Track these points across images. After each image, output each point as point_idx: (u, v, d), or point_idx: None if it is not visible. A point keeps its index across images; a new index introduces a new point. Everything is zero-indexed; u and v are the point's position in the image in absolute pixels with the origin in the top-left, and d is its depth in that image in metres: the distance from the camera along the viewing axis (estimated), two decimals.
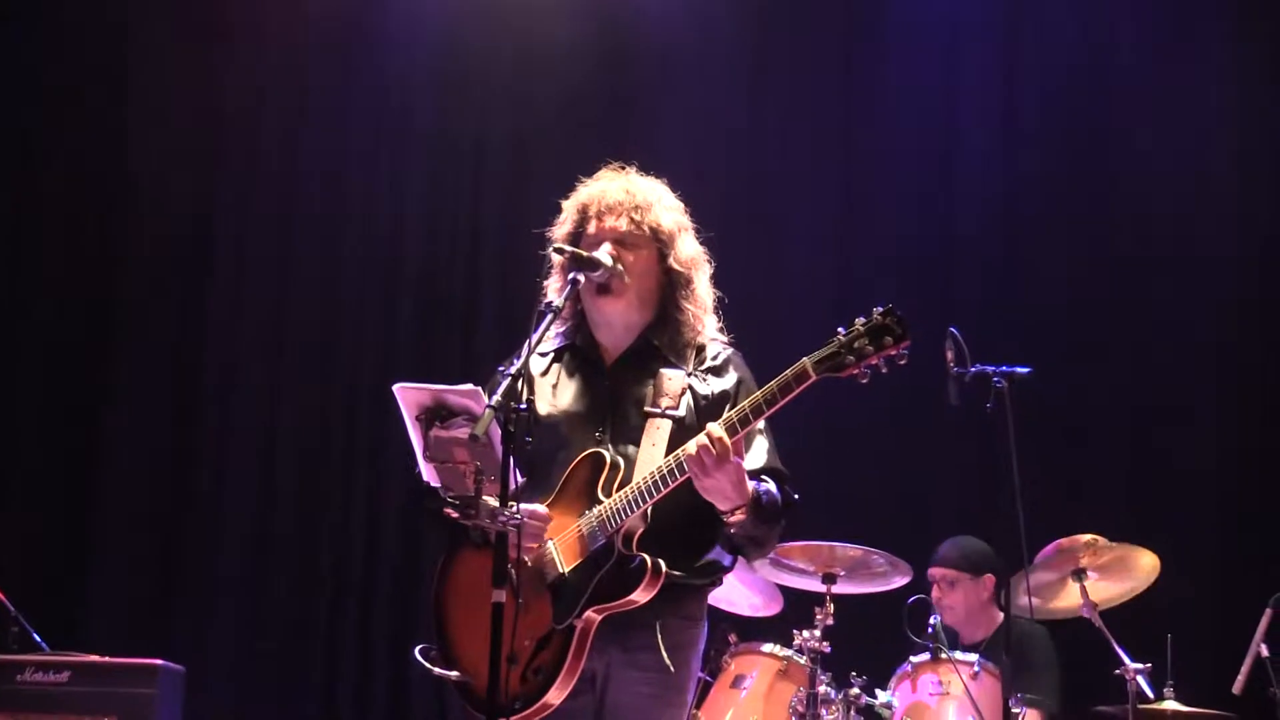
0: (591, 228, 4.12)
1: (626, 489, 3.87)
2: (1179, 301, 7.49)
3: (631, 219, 4.09)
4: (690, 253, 4.17)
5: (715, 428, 3.79)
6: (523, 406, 3.65)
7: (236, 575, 7.58)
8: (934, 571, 6.43)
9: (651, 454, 3.93)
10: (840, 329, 3.76)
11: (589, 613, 3.86)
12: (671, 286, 4.14)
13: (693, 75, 7.92)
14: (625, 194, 4.12)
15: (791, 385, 3.75)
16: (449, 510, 3.68)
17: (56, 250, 7.80)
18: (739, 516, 3.87)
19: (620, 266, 4.04)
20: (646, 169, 4.28)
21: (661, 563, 3.84)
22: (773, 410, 3.79)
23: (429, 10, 7.98)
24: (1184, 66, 7.68)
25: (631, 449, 3.99)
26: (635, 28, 7.93)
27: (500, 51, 7.94)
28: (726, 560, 4.10)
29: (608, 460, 3.95)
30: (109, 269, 7.83)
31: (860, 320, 3.75)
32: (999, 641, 5.84)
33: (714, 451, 3.76)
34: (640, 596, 3.84)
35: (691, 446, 3.78)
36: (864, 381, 3.76)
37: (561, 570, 3.91)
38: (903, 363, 3.75)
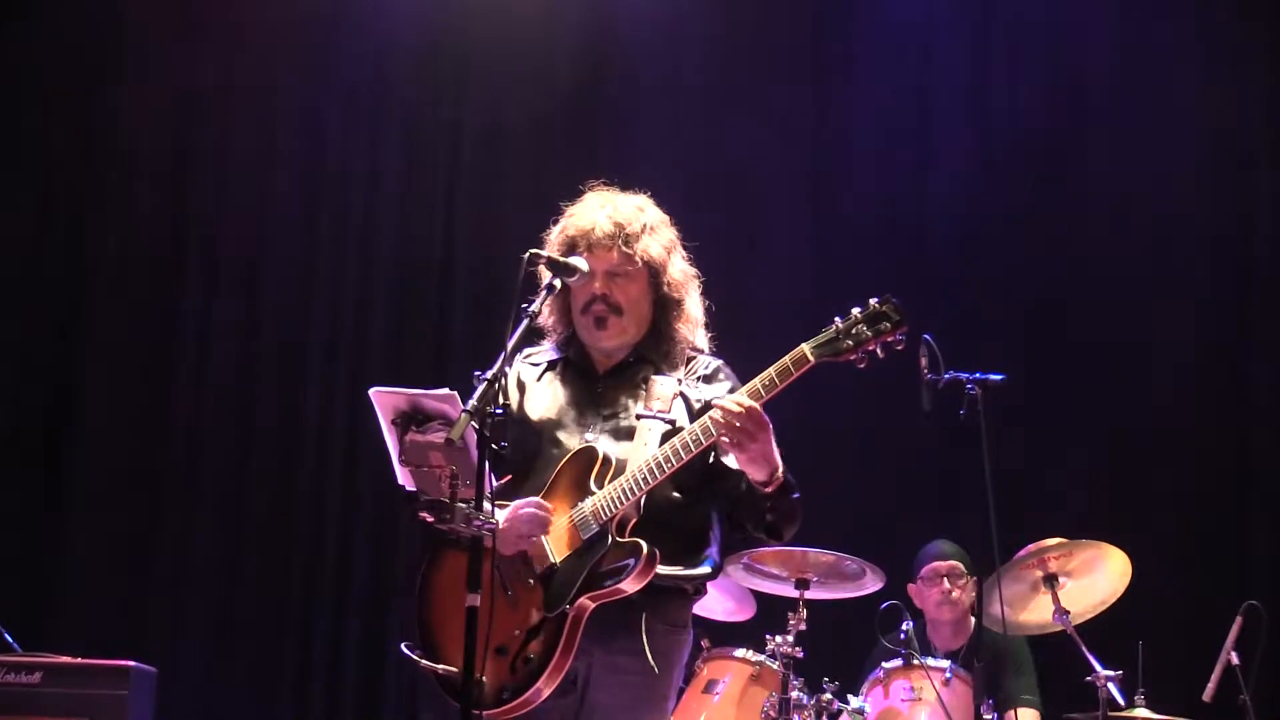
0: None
1: (619, 479, 3.89)
2: (1151, 304, 7.53)
3: (623, 252, 4.08)
4: (680, 274, 4.19)
5: (741, 396, 3.80)
6: (499, 411, 3.65)
7: (209, 575, 7.54)
8: (940, 566, 6.37)
9: (643, 454, 3.94)
10: (837, 317, 3.81)
11: (583, 599, 3.87)
12: (664, 308, 4.17)
13: (668, 75, 7.93)
14: (614, 225, 4.09)
15: (790, 370, 3.79)
16: (424, 514, 3.69)
17: (22, 252, 7.73)
18: (774, 486, 3.87)
19: (617, 299, 4.06)
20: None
21: (656, 551, 3.84)
22: (771, 395, 3.81)
23: (403, 7, 7.96)
24: (1156, 65, 7.74)
25: (623, 449, 4.00)
26: (613, 26, 7.94)
27: (476, 49, 7.93)
28: (712, 564, 4.09)
29: (599, 455, 3.97)
30: (77, 269, 7.77)
31: (857, 310, 3.81)
32: (974, 650, 5.86)
33: (743, 413, 3.76)
34: (632, 585, 3.85)
35: (717, 413, 3.78)
36: (862, 367, 3.81)
37: (553, 560, 3.93)
38: (900, 349, 3.82)
